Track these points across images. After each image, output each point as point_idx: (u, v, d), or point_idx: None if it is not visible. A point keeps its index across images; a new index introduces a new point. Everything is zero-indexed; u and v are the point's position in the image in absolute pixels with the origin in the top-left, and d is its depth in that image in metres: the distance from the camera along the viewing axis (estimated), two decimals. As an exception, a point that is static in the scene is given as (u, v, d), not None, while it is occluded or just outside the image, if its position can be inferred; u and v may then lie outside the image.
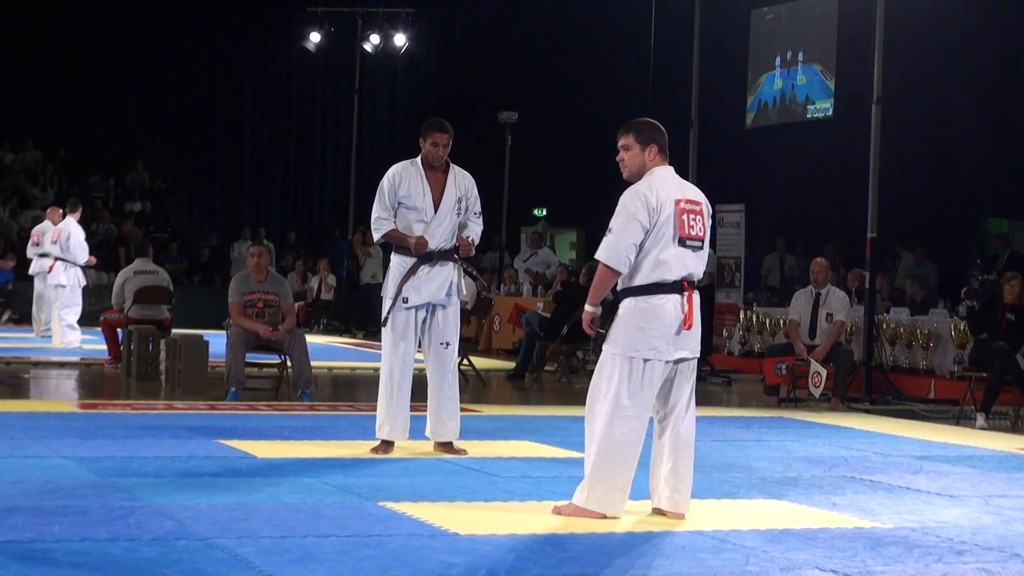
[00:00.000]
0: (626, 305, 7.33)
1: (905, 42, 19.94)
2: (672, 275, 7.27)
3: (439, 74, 35.02)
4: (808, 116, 24.33)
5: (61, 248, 19.21)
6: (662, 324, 7.25)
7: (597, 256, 7.42)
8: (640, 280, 7.30)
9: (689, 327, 7.31)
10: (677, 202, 7.31)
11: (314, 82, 35.58)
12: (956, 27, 22.63)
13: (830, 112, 23.76)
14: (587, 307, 7.45)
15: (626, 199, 7.32)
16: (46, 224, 19.89)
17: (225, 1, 34.72)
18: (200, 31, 34.37)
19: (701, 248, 7.41)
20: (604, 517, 7.20)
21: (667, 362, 7.29)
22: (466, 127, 29.86)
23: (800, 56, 24.36)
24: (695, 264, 7.37)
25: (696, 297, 7.39)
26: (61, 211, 19.73)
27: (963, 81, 23.14)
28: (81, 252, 19.39)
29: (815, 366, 14.25)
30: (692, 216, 7.34)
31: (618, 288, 7.38)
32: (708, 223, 7.53)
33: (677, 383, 7.41)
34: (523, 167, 26.82)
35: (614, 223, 7.29)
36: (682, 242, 7.28)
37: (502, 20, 34.03)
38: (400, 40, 29.95)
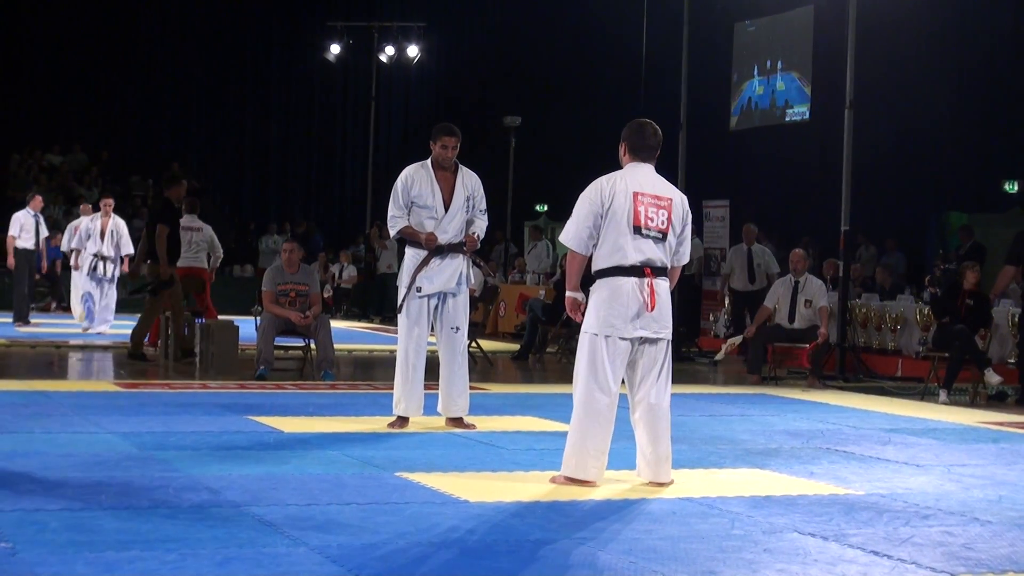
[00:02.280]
0: (593, 288, 7.39)
1: (875, 53, 19.90)
2: (628, 260, 7.27)
3: (448, 82, 35.00)
4: (787, 119, 24.32)
5: (115, 245, 18.91)
6: (620, 304, 7.26)
7: (560, 239, 7.52)
8: (601, 264, 7.35)
9: (651, 309, 7.27)
10: (636, 194, 7.30)
11: (334, 90, 35.58)
12: (921, 39, 22.61)
13: (807, 116, 23.75)
14: (568, 293, 7.52)
15: (587, 188, 7.41)
16: (89, 221, 19.41)
17: (253, 17, 34.71)
18: (230, 44, 34.38)
19: (663, 240, 7.35)
20: (586, 483, 7.20)
21: (625, 340, 7.28)
22: (473, 131, 29.84)
23: (779, 64, 24.35)
24: (655, 252, 7.32)
25: (659, 282, 7.33)
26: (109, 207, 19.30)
27: (927, 89, 23.10)
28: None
29: (734, 338, 14.72)
30: (653, 209, 7.32)
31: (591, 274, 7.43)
32: (679, 219, 7.45)
33: (644, 362, 7.36)
34: (526, 166, 26.79)
35: (575, 209, 7.40)
36: (637, 231, 7.28)
37: (506, 33, 34.01)
38: (413, 52, 29.98)
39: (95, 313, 18.96)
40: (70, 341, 17.30)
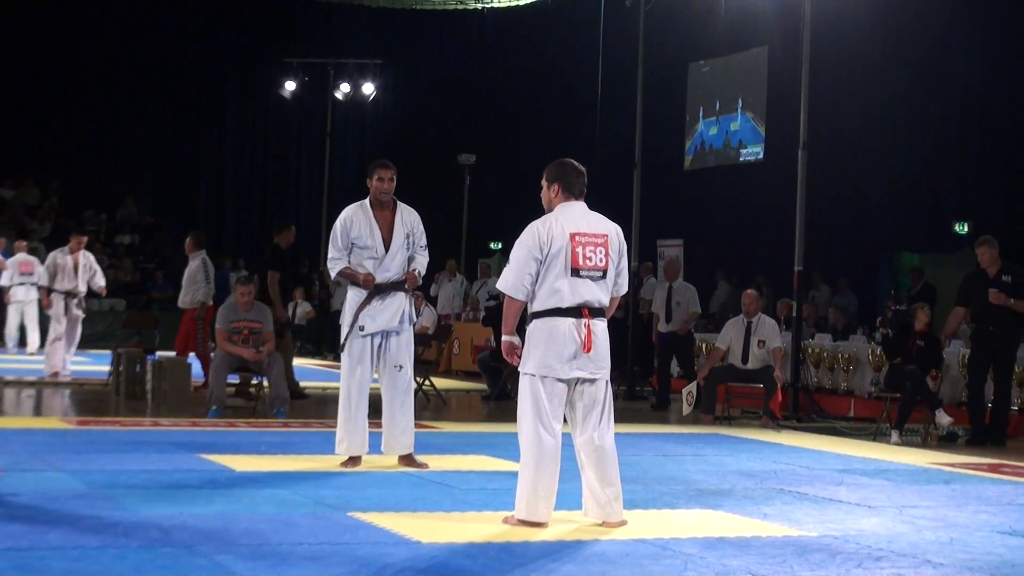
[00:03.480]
0: (530, 329, 7.40)
1: (829, 93, 20.08)
2: (565, 303, 7.28)
3: (404, 120, 35.04)
4: (741, 159, 24.51)
5: (88, 280, 18.05)
6: (556, 345, 7.26)
7: (498, 286, 7.56)
8: (538, 307, 7.35)
9: (588, 350, 7.26)
10: (572, 236, 7.31)
11: (289, 127, 35.54)
12: (874, 81, 22.77)
13: (761, 156, 23.93)
14: (504, 337, 7.50)
15: (523, 234, 7.42)
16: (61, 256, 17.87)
17: (209, 53, 34.65)
18: (186, 80, 34.27)
19: (602, 278, 7.36)
20: (537, 525, 7.18)
21: (562, 380, 7.28)
22: (428, 168, 29.94)
23: (733, 105, 24.54)
24: (592, 293, 7.32)
25: (596, 323, 7.32)
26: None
27: (880, 130, 23.27)
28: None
29: (689, 387, 14.61)
30: (590, 248, 7.33)
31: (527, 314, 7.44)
32: (616, 252, 7.45)
33: (584, 402, 7.36)
34: (481, 204, 26.84)
35: (512, 255, 7.41)
36: (576, 272, 7.28)
37: (462, 71, 34.10)
38: (368, 89, 30.03)
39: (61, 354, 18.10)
40: (18, 377, 17.13)
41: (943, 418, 13.41)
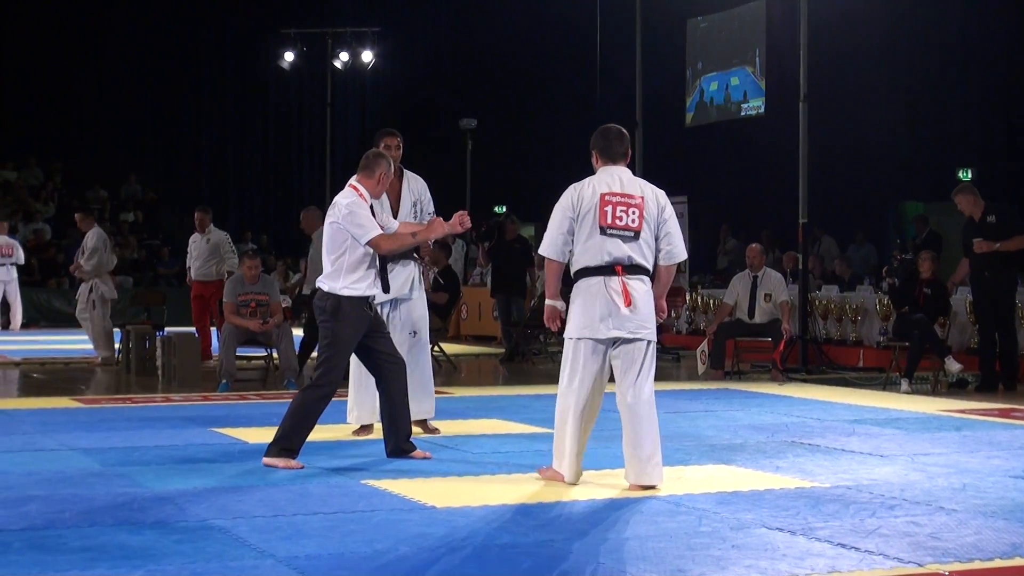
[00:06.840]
0: (572, 293, 7.42)
1: (828, 45, 19.99)
2: (596, 261, 7.29)
3: (404, 87, 34.93)
4: (742, 114, 24.42)
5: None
6: (592, 305, 7.28)
7: (540, 251, 7.57)
8: (574, 267, 7.41)
9: (628, 304, 7.24)
10: (603, 195, 7.33)
11: (289, 98, 35.45)
12: (874, 30, 22.69)
13: (762, 110, 23.84)
14: (547, 301, 7.55)
15: (561, 197, 7.45)
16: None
17: (206, 26, 34.58)
18: (184, 54, 34.23)
19: (635, 238, 7.33)
20: (564, 480, 7.33)
21: (599, 341, 7.28)
22: (430, 134, 29.87)
23: (733, 60, 24.44)
24: (623, 251, 7.29)
25: (631, 280, 7.28)
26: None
27: (881, 80, 23.20)
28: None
29: (702, 345, 14.57)
30: (621, 208, 7.32)
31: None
32: (653, 216, 7.43)
33: (622, 362, 7.34)
34: (483, 168, 26.76)
35: (551, 219, 7.46)
36: (603, 230, 7.28)
37: (460, 36, 33.99)
38: (367, 57, 29.90)
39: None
40: (31, 357, 17.16)
41: (952, 365, 13.42)
